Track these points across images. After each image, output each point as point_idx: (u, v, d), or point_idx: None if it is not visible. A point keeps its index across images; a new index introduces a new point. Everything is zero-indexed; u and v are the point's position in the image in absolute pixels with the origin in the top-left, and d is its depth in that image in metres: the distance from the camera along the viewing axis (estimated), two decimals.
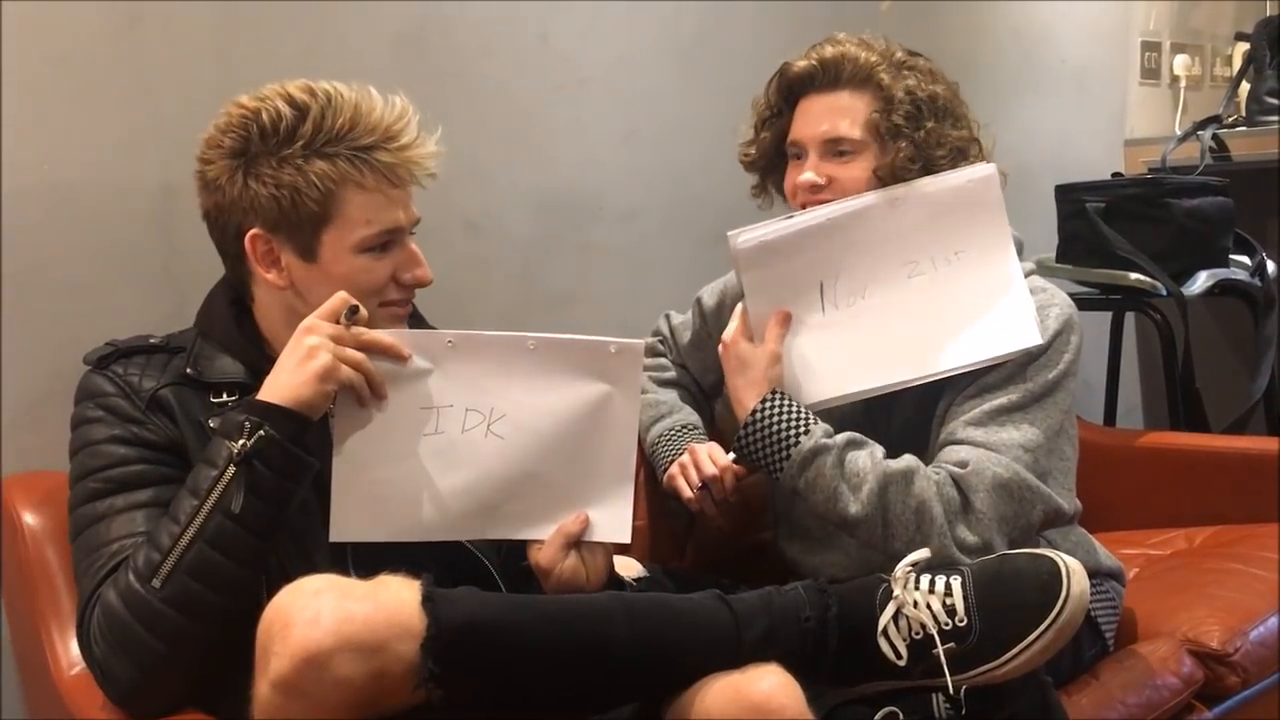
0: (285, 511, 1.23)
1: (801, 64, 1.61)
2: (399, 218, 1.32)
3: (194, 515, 1.18)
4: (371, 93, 1.30)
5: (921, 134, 1.54)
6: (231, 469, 1.18)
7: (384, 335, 1.25)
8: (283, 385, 1.21)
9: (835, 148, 1.57)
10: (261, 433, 1.19)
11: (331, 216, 1.28)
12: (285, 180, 1.27)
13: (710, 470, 1.62)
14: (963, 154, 1.57)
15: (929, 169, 1.54)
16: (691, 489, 1.63)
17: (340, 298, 1.24)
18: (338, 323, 1.23)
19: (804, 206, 1.58)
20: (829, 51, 1.59)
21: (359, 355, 1.23)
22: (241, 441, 1.18)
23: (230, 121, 1.30)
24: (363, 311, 1.25)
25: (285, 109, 1.27)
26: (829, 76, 1.58)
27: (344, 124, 1.27)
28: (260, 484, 1.19)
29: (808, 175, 1.58)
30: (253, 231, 1.30)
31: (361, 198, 1.29)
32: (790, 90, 1.63)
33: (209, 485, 1.19)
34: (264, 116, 1.28)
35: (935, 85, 1.58)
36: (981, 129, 1.62)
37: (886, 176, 1.55)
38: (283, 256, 1.31)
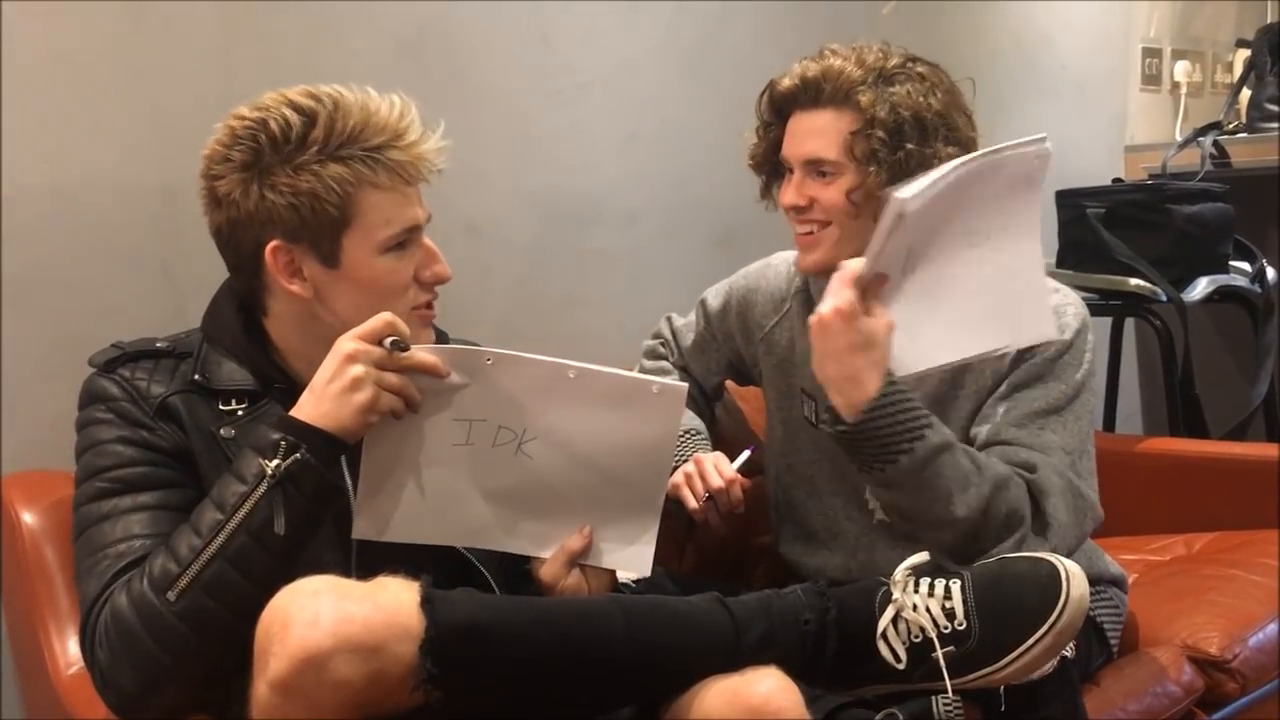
0: (310, 535, 1.21)
1: (786, 82, 1.58)
2: (417, 215, 1.30)
3: (217, 530, 1.16)
4: (371, 93, 1.29)
5: (900, 155, 1.49)
6: (263, 488, 1.16)
7: (426, 356, 1.22)
8: (325, 412, 1.19)
9: (817, 168, 1.55)
10: (298, 455, 1.17)
11: (351, 220, 1.26)
12: (303, 188, 1.24)
13: (717, 483, 1.61)
14: None
15: None
16: (697, 500, 1.62)
17: (384, 320, 1.21)
18: (379, 344, 1.20)
19: (794, 226, 1.57)
20: (812, 69, 1.55)
21: (401, 381, 1.21)
22: (276, 461, 1.16)
23: (235, 134, 1.26)
24: (407, 337, 1.22)
25: (293, 116, 1.24)
26: (810, 95, 1.55)
27: (355, 125, 1.25)
28: (290, 506, 1.17)
29: (790, 197, 1.56)
30: (273, 244, 1.26)
31: (378, 197, 1.27)
32: (778, 107, 1.61)
33: (236, 501, 1.17)
34: (272, 125, 1.24)
35: (929, 96, 1.52)
36: (979, 138, 1.56)
37: (859, 200, 1.53)
38: (305, 266, 1.28)
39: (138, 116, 1.68)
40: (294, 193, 1.24)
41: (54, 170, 1.62)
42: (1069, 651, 1.32)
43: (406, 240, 1.30)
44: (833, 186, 1.53)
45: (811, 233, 1.55)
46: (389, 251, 1.29)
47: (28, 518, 1.43)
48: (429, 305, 1.34)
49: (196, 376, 1.31)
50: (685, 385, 1.28)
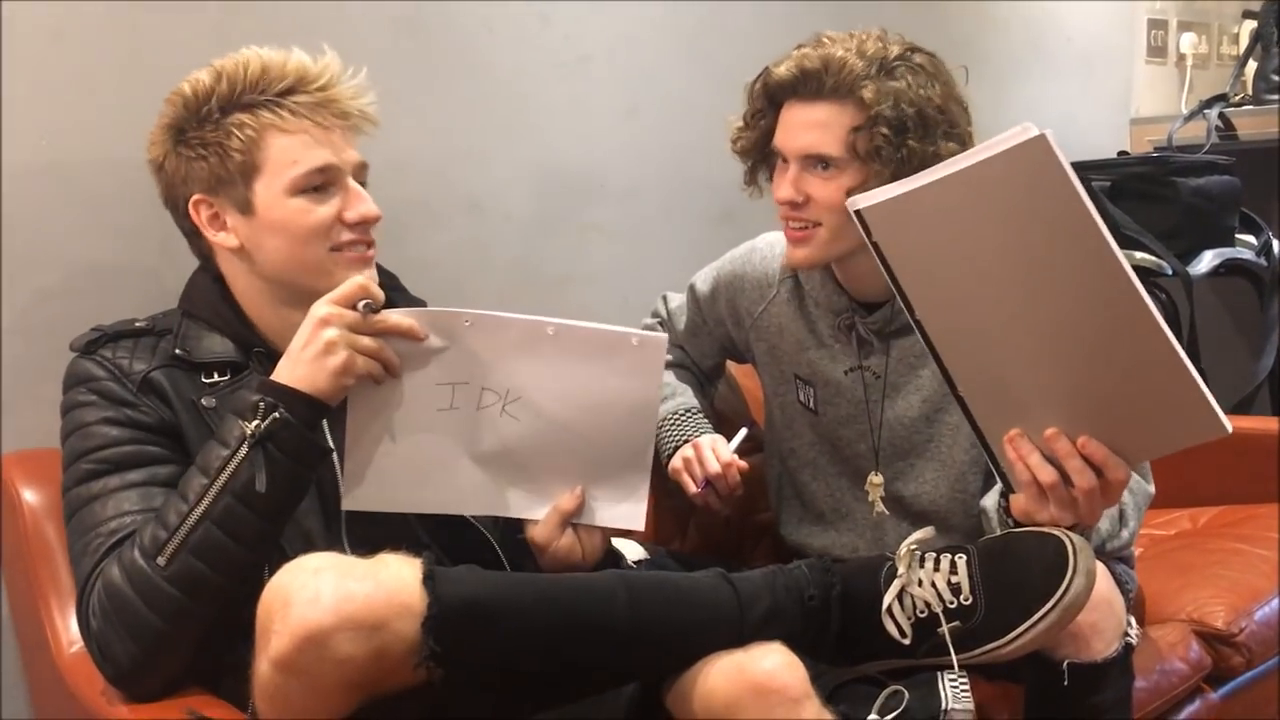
0: (296, 496, 1.22)
1: (783, 70, 1.51)
2: (328, 156, 1.31)
3: (203, 494, 1.18)
4: (293, 50, 1.33)
5: (903, 153, 1.43)
6: (244, 449, 1.18)
7: (402, 319, 1.23)
8: (300, 376, 1.20)
9: (816, 163, 1.49)
10: (276, 415, 1.18)
11: (259, 165, 1.30)
12: (209, 139, 1.30)
13: (714, 468, 1.59)
14: None
15: None
16: (696, 485, 1.61)
17: (356, 284, 1.22)
18: (353, 308, 1.21)
19: (785, 220, 1.53)
20: (812, 60, 1.48)
21: (376, 344, 1.22)
22: (255, 422, 1.18)
23: (166, 104, 1.34)
24: (380, 300, 1.22)
25: (204, 76, 1.31)
26: (810, 88, 1.49)
27: (254, 73, 1.30)
28: (271, 465, 1.18)
29: (785, 191, 1.51)
30: (194, 198, 1.32)
31: (284, 140, 1.30)
32: (773, 95, 1.55)
33: (219, 464, 1.18)
34: (187, 89, 1.32)
35: (929, 89, 1.46)
36: (974, 131, 1.50)
37: None
38: (226, 216, 1.32)
39: (136, 92, 1.66)
40: (203, 145, 1.30)
41: (52, 148, 1.61)
42: (1133, 637, 1.32)
43: (324, 183, 1.32)
44: (833, 183, 1.47)
45: (803, 228, 1.51)
46: (302, 194, 1.31)
47: (28, 496, 1.43)
48: (367, 246, 1.34)
49: (178, 351, 1.33)
50: (665, 336, 1.30)
